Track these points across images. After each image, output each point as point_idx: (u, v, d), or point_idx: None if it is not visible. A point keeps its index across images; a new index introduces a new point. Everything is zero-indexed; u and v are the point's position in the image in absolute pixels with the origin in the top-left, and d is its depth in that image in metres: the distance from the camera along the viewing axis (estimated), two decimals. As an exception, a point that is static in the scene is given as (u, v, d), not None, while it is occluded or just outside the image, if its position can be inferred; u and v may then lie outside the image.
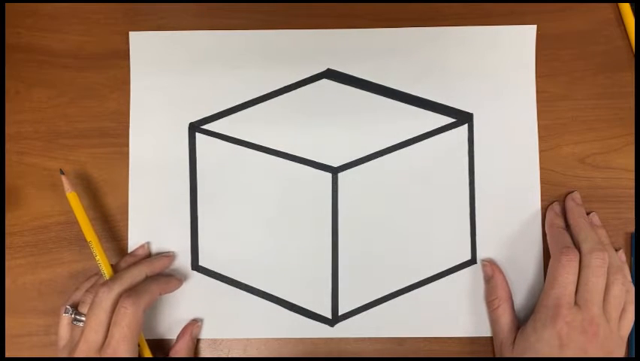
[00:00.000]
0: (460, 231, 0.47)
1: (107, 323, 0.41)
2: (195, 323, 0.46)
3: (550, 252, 0.44)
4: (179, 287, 0.46)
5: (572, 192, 0.47)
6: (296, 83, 0.48)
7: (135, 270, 0.43)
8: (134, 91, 0.48)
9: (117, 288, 0.42)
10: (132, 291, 0.42)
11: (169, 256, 0.46)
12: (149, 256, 0.47)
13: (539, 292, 0.44)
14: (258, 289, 0.47)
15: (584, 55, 0.48)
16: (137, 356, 0.42)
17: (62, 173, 0.44)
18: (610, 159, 0.47)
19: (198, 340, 0.47)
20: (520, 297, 0.46)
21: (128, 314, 0.40)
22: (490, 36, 0.48)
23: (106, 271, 0.44)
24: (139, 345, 0.43)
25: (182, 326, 0.46)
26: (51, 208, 0.47)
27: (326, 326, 0.46)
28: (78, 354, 0.40)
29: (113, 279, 0.42)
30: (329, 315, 0.46)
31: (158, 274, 0.45)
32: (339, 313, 0.46)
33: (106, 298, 0.41)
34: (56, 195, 0.47)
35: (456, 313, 0.46)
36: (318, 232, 0.46)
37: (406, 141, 0.47)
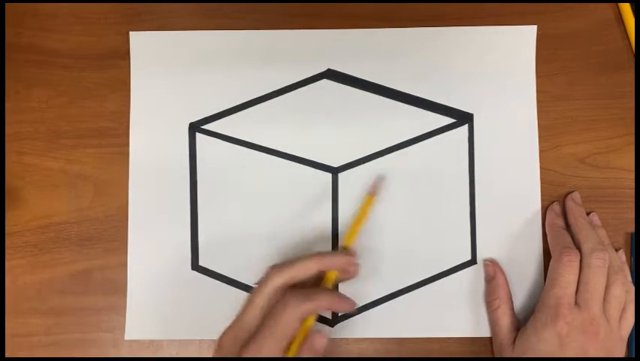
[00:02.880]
0: (460, 231, 0.47)
1: (264, 307, 0.38)
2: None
3: (551, 252, 0.44)
4: (351, 310, 0.41)
5: (572, 192, 0.47)
6: (296, 83, 0.48)
7: (308, 262, 0.40)
8: (134, 91, 0.48)
9: (286, 275, 0.39)
10: (302, 292, 0.38)
11: (349, 253, 0.41)
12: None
13: (539, 292, 0.44)
14: (258, 289, 0.47)
15: (584, 55, 0.48)
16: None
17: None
18: (610, 159, 0.47)
19: (199, 340, 0.46)
20: (520, 297, 0.46)
21: (286, 315, 0.37)
22: (491, 36, 0.48)
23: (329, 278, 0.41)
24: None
25: (182, 326, 0.46)
26: (51, 208, 0.47)
27: (326, 326, 0.46)
28: (226, 334, 0.38)
29: (287, 265, 0.39)
30: (329, 315, 0.46)
31: (335, 291, 0.41)
32: (339, 314, 0.46)
33: (271, 282, 0.39)
34: (56, 195, 0.47)
35: (456, 313, 0.46)
36: (318, 232, 0.46)
37: (406, 141, 0.47)
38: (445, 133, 0.47)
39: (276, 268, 0.40)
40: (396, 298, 0.46)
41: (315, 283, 0.41)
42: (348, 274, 0.42)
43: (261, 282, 0.39)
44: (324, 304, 0.39)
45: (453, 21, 0.48)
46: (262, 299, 0.39)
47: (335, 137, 0.47)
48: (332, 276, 0.41)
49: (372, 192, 0.45)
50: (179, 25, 0.48)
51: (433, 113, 0.47)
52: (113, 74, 0.48)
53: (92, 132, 0.48)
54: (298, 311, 0.38)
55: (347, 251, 0.42)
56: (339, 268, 0.41)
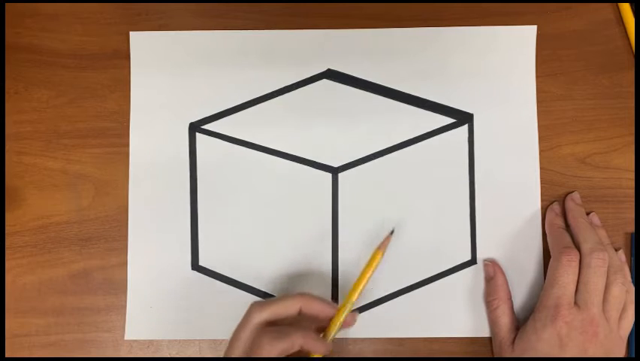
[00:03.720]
0: (460, 231, 0.47)
1: (247, 342, 0.39)
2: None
3: (551, 252, 0.44)
4: (325, 353, 0.41)
5: (572, 192, 0.47)
6: (296, 83, 0.48)
7: (290, 300, 0.41)
8: (134, 91, 0.48)
9: (266, 313, 0.40)
10: (275, 330, 0.39)
11: (334, 307, 0.42)
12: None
13: (539, 292, 0.44)
14: (258, 289, 0.47)
15: (584, 55, 0.48)
16: None
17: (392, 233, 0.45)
18: (610, 159, 0.47)
19: (199, 340, 0.46)
20: (520, 297, 0.46)
21: (263, 354, 0.38)
22: (491, 36, 0.48)
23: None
24: None
25: (182, 326, 0.46)
26: (51, 208, 0.47)
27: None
28: None
29: (268, 302, 0.41)
30: (329, 315, 0.46)
31: (309, 330, 0.41)
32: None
33: (253, 318, 0.40)
34: (56, 195, 0.47)
35: (456, 313, 0.46)
36: (318, 232, 0.46)
37: (406, 141, 0.47)
38: (445, 133, 0.47)
39: (257, 305, 0.40)
40: (396, 298, 0.46)
41: (297, 321, 0.42)
42: (322, 323, 0.42)
43: (244, 318, 0.40)
44: (297, 343, 0.39)
45: (453, 21, 0.48)
46: (246, 334, 0.40)
47: (335, 137, 0.47)
48: (333, 327, 0.42)
49: (383, 248, 0.45)
50: (179, 25, 0.48)
51: (433, 113, 0.47)
52: (113, 74, 0.48)
53: (92, 132, 0.48)
54: (272, 351, 0.38)
55: (334, 304, 0.42)
56: (319, 314, 0.41)
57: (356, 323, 0.43)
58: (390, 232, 0.45)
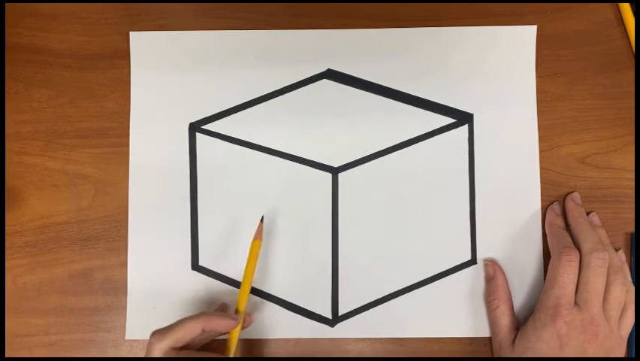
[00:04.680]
0: (460, 231, 0.47)
1: None
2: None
3: (551, 252, 0.44)
4: (233, 328, 0.42)
5: (572, 192, 0.47)
6: (296, 83, 0.48)
7: (189, 323, 0.40)
8: (134, 91, 0.48)
9: (167, 341, 0.39)
10: (163, 329, 0.40)
11: (235, 318, 0.42)
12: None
13: (539, 292, 0.44)
14: (258, 289, 0.47)
15: (584, 55, 0.48)
16: None
17: (262, 221, 0.44)
18: (610, 159, 0.47)
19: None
20: (520, 297, 0.46)
21: (155, 352, 0.39)
22: (491, 36, 0.48)
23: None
24: None
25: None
26: (51, 208, 0.47)
27: (326, 326, 0.46)
28: None
29: (166, 329, 0.40)
30: (329, 315, 0.46)
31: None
32: (339, 314, 0.46)
33: (154, 349, 0.40)
34: (56, 195, 0.47)
35: (456, 313, 0.46)
36: (318, 232, 0.46)
37: (406, 141, 0.47)
38: (445, 133, 0.47)
39: (156, 334, 0.40)
40: (397, 298, 0.46)
41: (205, 346, 0.43)
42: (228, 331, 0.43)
43: (146, 350, 0.40)
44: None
45: (453, 21, 0.48)
46: None
47: (335, 137, 0.47)
48: (234, 339, 0.42)
49: (259, 237, 0.44)
50: (179, 25, 0.48)
51: (433, 113, 0.47)
52: (113, 74, 0.48)
53: (92, 132, 0.48)
54: (165, 345, 0.39)
55: (234, 316, 0.43)
56: (222, 329, 0.42)
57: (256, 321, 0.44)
58: (260, 219, 0.45)
